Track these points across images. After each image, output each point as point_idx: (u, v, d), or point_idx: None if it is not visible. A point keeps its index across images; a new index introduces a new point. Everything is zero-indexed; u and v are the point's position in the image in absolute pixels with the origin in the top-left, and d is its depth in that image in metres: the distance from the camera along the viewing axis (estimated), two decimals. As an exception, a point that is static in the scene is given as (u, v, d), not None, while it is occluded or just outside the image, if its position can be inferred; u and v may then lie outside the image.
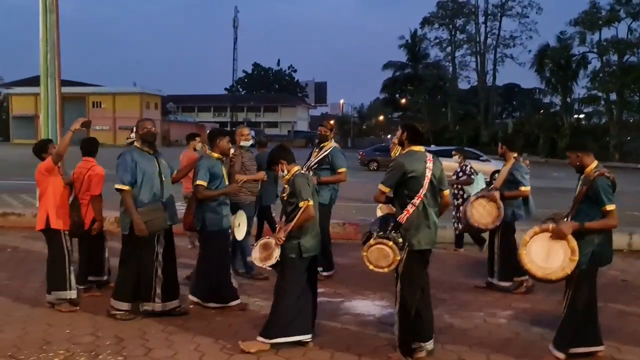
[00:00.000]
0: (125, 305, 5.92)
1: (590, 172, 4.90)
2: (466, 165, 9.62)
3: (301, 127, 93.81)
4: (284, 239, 5.11)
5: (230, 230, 6.54)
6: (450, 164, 9.84)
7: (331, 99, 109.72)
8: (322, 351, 5.18)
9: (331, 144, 7.79)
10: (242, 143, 7.60)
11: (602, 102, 50.72)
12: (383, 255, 4.77)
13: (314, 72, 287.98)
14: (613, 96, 48.52)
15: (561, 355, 5.01)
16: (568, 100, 52.77)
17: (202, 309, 6.25)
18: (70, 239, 6.38)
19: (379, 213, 5.45)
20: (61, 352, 5.04)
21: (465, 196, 9.39)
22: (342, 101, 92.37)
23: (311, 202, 5.08)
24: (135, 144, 6.02)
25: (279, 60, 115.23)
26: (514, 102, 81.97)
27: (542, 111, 55.12)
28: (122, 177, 5.79)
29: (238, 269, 7.52)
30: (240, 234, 6.69)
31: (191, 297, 6.39)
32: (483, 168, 19.87)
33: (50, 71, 13.41)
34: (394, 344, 5.15)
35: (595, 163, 4.97)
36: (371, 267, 4.82)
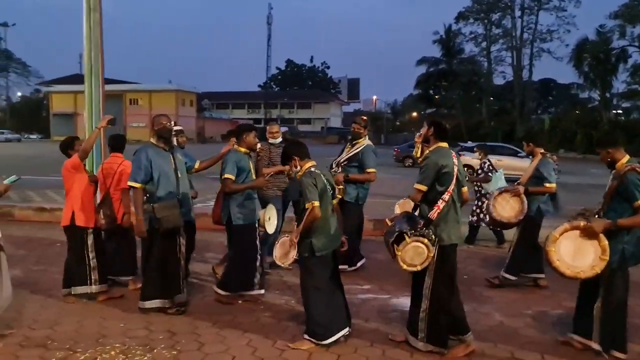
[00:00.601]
0: (156, 302, 5.96)
1: (621, 167, 4.82)
2: (485, 163, 9.61)
3: (334, 123, 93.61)
4: (296, 240, 5.14)
5: (260, 225, 6.58)
6: (493, 161, 9.76)
7: (364, 96, 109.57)
8: (373, 348, 5.20)
9: (364, 142, 7.71)
10: (271, 140, 7.67)
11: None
12: (418, 253, 4.79)
13: (347, 68, 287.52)
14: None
15: (622, 355, 4.91)
16: (607, 95, 51.69)
17: (252, 305, 6.31)
18: (100, 234, 6.44)
19: (397, 210, 5.43)
20: (117, 345, 5.13)
21: (483, 193, 9.48)
22: (374, 97, 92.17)
23: (317, 204, 5.03)
24: (151, 140, 6.04)
25: (312, 57, 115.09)
26: (550, 98, 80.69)
27: (579, 107, 53.92)
28: (135, 175, 5.85)
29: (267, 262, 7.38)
30: (271, 227, 6.70)
31: (217, 290, 6.43)
32: (521, 165, 19.62)
33: (94, 69, 13.57)
34: (410, 339, 5.13)
35: (627, 158, 4.87)
36: (405, 266, 4.82)
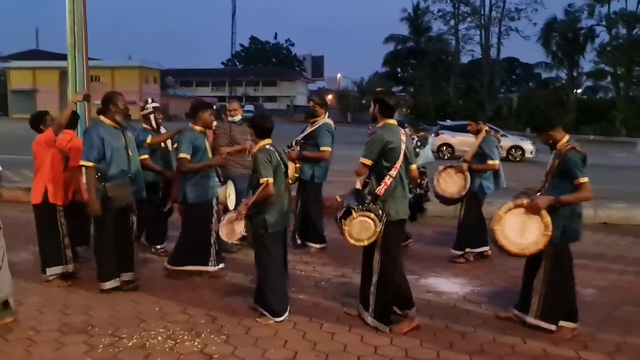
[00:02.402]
0: (116, 282, 5.97)
1: (562, 147, 4.98)
2: (413, 139, 9.65)
3: (300, 101, 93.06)
4: (244, 212, 5.17)
5: (220, 201, 6.64)
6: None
7: (330, 73, 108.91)
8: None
9: (322, 120, 7.60)
10: (230, 119, 7.57)
11: (609, 77, 50.44)
12: (365, 228, 4.86)
13: (312, 46, 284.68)
14: (621, 70, 48.14)
15: (552, 326, 5.05)
16: (574, 74, 52.41)
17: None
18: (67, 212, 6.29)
19: (359, 186, 5.39)
20: (161, 330, 5.03)
21: None
22: (339, 75, 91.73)
23: (271, 180, 5.12)
24: (101, 117, 5.91)
25: (276, 34, 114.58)
26: (514, 77, 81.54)
27: (548, 86, 54.53)
28: (87, 154, 5.73)
29: None
30: (231, 203, 6.69)
31: (167, 265, 6.52)
32: (502, 144, 19.73)
33: (78, 45, 13.13)
34: (364, 314, 5.20)
35: (567, 137, 5.04)
36: (352, 241, 4.91)
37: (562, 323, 5.03)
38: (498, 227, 4.92)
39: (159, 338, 4.80)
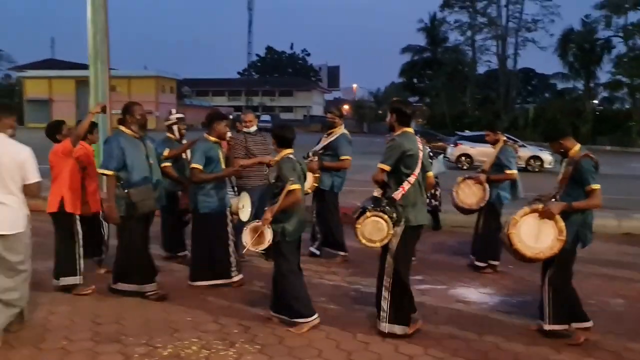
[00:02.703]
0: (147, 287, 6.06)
1: (575, 154, 5.09)
2: (426, 149, 9.72)
3: (316, 111, 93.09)
4: (270, 219, 5.20)
5: (233, 212, 6.62)
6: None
7: (346, 84, 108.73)
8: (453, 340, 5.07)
9: (339, 131, 7.73)
10: (244, 129, 7.58)
11: (625, 88, 50.07)
12: (377, 228, 4.92)
13: (328, 56, 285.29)
14: (637, 82, 47.73)
15: (565, 327, 5.14)
16: (591, 85, 52.08)
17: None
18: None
19: (377, 194, 5.40)
20: (195, 339, 5.07)
21: None
22: (355, 85, 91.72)
23: (297, 186, 5.19)
24: (121, 127, 6.03)
25: (292, 44, 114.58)
26: (529, 88, 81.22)
27: (562, 97, 54.18)
28: (107, 163, 5.85)
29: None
30: (244, 215, 6.66)
31: (191, 283, 6.57)
32: (521, 154, 19.62)
33: (100, 54, 13.28)
34: (379, 318, 5.21)
35: (578, 146, 5.15)
36: (364, 241, 4.98)
37: (575, 325, 5.14)
38: (514, 230, 5.01)
39: (194, 347, 4.84)
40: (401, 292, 5.10)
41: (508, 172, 7.28)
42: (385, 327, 5.13)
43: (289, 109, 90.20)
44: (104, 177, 5.95)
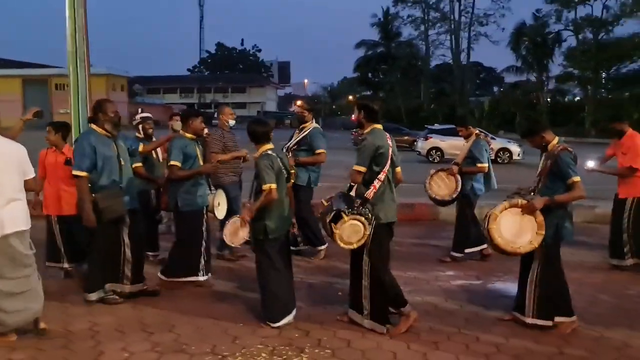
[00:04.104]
0: (100, 293, 5.89)
1: (553, 148, 5.14)
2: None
3: (270, 107, 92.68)
4: (248, 218, 5.21)
5: (209, 210, 6.53)
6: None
7: (297, 79, 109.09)
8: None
9: (311, 125, 7.72)
10: (231, 122, 7.54)
11: (576, 81, 51.45)
12: (355, 231, 4.90)
13: (279, 52, 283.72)
14: (588, 74, 49.15)
15: (549, 322, 5.20)
16: (543, 78, 53.32)
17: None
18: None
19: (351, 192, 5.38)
20: (259, 345, 4.93)
21: None
22: (305, 81, 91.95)
23: (274, 186, 5.16)
24: (92, 126, 5.83)
25: (242, 40, 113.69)
26: (477, 81, 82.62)
27: (518, 89, 55.35)
28: (80, 163, 5.63)
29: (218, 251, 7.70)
30: (220, 213, 6.67)
31: (161, 276, 6.46)
32: (491, 146, 19.97)
33: (79, 53, 12.85)
34: (357, 318, 5.23)
35: (557, 139, 5.20)
36: (342, 244, 4.95)
37: (558, 319, 5.20)
38: (494, 226, 5.02)
39: (263, 354, 4.69)
40: (381, 290, 5.09)
41: (479, 165, 7.46)
42: (368, 324, 5.14)
43: (242, 106, 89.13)
44: (78, 178, 5.66)
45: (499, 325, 5.39)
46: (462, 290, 6.54)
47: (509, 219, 5.01)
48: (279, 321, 5.23)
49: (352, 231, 4.89)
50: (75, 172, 5.63)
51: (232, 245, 5.48)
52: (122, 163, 5.89)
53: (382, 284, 5.07)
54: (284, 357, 4.64)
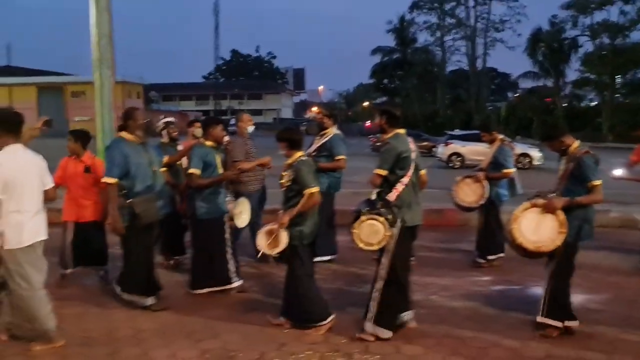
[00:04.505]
0: (149, 300, 5.94)
1: (575, 151, 5.14)
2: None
3: (285, 114, 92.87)
4: (286, 223, 5.16)
5: (230, 217, 6.51)
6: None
7: (312, 86, 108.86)
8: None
9: (332, 131, 7.67)
10: (250, 129, 7.53)
11: (593, 86, 51.17)
12: (374, 231, 4.90)
13: (295, 59, 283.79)
14: (605, 79, 48.85)
15: (558, 324, 5.18)
16: (560, 83, 53.04)
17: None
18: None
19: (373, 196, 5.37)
20: (308, 352, 4.96)
21: None
22: (321, 87, 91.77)
23: (317, 189, 5.18)
24: (121, 134, 5.92)
25: (257, 47, 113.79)
26: (492, 87, 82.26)
27: (535, 95, 55.13)
28: (110, 171, 5.72)
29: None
30: (241, 221, 6.62)
31: (192, 291, 6.46)
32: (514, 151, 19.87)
33: (105, 59, 12.99)
34: (365, 320, 5.16)
35: (577, 142, 5.21)
36: (361, 244, 4.96)
37: (568, 323, 5.19)
38: (515, 225, 5.04)
39: (314, 360, 4.69)
40: (393, 294, 5.08)
41: (505, 170, 7.45)
42: (370, 327, 5.10)
43: (258, 112, 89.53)
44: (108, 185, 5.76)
45: (520, 329, 5.39)
46: (502, 295, 6.53)
47: (530, 219, 5.04)
48: (327, 318, 5.27)
49: (370, 231, 4.90)
50: (105, 179, 5.72)
51: (272, 254, 5.39)
52: (154, 169, 5.98)
53: (397, 287, 5.09)
54: (335, 363, 4.66)
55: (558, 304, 5.18)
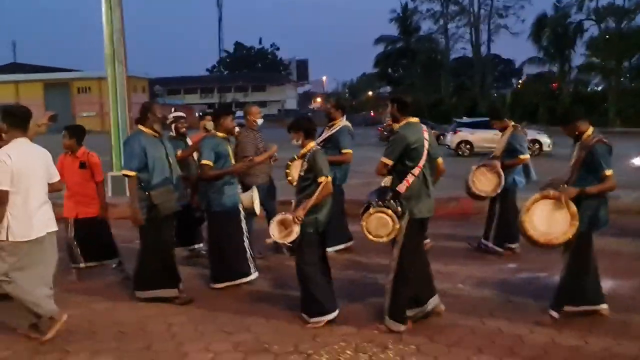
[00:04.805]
0: (172, 292, 5.98)
1: (588, 139, 5.08)
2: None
3: (290, 105, 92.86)
4: (302, 216, 5.12)
5: (245, 207, 6.54)
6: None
7: (315, 77, 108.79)
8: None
9: (340, 123, 7.59)
10: (259, 121, 7.51)
11: (599, 70, 50.87)
12: (382, 224, 4.87)
13: (297, 50, 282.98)
14: (611, 64, 48.54)
15: (555, 314, 5.23)
16: (565, 69, 52.72)
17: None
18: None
19: (384, 183, 5.40)
20: (342, 343, 4.94)
21: None
22: (324, 78, 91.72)
23: (330, 178, 5.18)
24: (140, 127, 5.98)
25: (260, 39, 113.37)
26: (496, 73, 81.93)
27: (541, 80, 54.85)
28: (129, 163, 5.79)
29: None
30: (258, 208, 6.71)
31: (214, 285, 6.44)
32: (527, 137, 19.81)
33: (117, 54, 13.06)
34: (381, 313, 5.19)
35: (592, 129, 5.16)
36: (370, 237, 4.96)
37: (567, 308, 5.23)
38: (526, 218, 5.01)
39: (348, 352, 4.74)
40: (401, 287, 5.05)
41: (522, 157, 7.39)
42: (386, 320, 5.12)
43: (262, 104, 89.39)
44: (126, 177, 5.89)
45: (578, 317, 5.31)
46: (527, 283, 6.53)
47: (541, 210, 5.00)
48: (332, 312, 5.25)
49: (379, 224, 4.87)
50: (124, 172, 5.82)
51: (285, 243, 5.46)
52: (171, 161, 6.03)
53: (407, 280, 5.04)
54: (370, 353, 4.68)
55: (571, 294, 5.20)
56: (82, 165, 6.72)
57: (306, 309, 5.33)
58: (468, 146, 24.80)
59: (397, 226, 4.87)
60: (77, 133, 6.82)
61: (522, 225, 5.02)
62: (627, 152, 7.50)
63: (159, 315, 5.63)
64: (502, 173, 7.26)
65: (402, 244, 5.01)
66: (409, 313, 5.14)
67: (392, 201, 4.90)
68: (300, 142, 5.36)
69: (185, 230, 7.42)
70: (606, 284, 5.65)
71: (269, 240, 6.87)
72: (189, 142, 7.62)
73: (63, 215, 6.72)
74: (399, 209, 4.89)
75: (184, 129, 7.63)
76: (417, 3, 60.88)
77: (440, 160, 5.39)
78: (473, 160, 7.59)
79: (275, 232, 5.32)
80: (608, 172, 4.94)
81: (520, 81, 63.52)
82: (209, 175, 6.22)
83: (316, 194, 5.11)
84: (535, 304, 5.72)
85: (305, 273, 5.29)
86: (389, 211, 4.85)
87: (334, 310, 5.26)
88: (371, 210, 4.89)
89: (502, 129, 7.62)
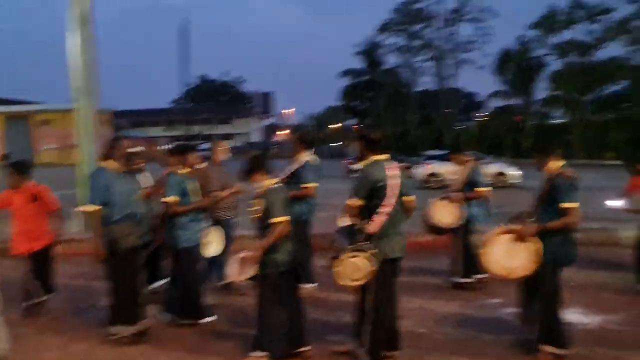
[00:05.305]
0: (129, 329, 5.82)
1: (553, 171, 5.11)
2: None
3: (255, 138, 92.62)
4: (258, 255, 5.06)
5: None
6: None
7: (283, 109, 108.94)
8: None
9: (302, 157, 7.38)
10: (226, 156, 7.51)
11: (562, 103, 51.96)
12: (357, 268, 4.75)
13: (264, 83, 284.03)
14: (574, 96, 49.63)
15: (558, 351, 5.12)
16: (529, 102, 53.72)
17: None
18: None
19: (341, 223, 5.26)
20: None
21: None
22: (288, 110, 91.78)
23: (287, 219, 5.09)
24: (102, 163, 5.97)
25: (226, 72, 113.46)
26: (460, 106, 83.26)
27: (505, 113, 55.85)
28: (92, 199, 5.77)
29: (217, 284, 7.57)
30: (209, 250, 6.58)
31: (165, 315, 6.41)
32: (487, 170, 19.77)
33: (90, 88, 12.75)
34: (357, 351, 5.08)
35: (561, 163, 5.15)
36: (347, 282, 4.83)
37: (544, 347, 5.12)
38: (485, 250, 5.04)
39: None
40: (378, 327, 4.96)
41: (481, 189, 7.49)
42: (365, 358, 5.01)
43: (228, 137, 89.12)
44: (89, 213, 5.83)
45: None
46: (495, 318, 6.50)
47: (501, 244, 5.00)
48: (280, 356, 5.12)
49: (354, 268, 4.74)
50: (87, 208, 5.79)
51: (239, 281, 5.44)
52: (135, 198, 6.09)
53: (383, 320, 4.96)
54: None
55: (551, 330, 5.09)
56: (35, 198, 6.51)
57: (253, 342, 5.24)
58: (438, 179, 24.80)
59: (374, 268, 4.74)
60: (23, 169, 6.75)
61: (482, 256, 5.04)
62: (594, 184, 7.55)
63: (141, 356, 5.34)
64: (463, 205, 7.33)
65: (376, 285, 4.88)
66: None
67: (364, 243, 4.79)
68: (255, 181, 5.29)
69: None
70: (594, 319, 5.82)
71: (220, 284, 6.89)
72: (141, 179, 7.36)
73: (14, 253, 6.67)
74: (374, 250, 4.77)
75: (142, 165, 7.43)
76: (382, 37, 61.77)
77: (411, 198, 5.17)
78: (442, 192, 7.50)
79: (232, 271, 5.24)
80: (569, 205, 4.89)
81: (484, 114, 64.50)
82: (175, 211, 6.17)
83: (271, 234, 5.03)
84: (500, 339, 5.70)
85: (265, 312, 5.19)
86: (364, 254, 4.73)
87: (278, 355, 5.14)
88: (345, 255, 4.77)
89: (461, 164, 7.69)
